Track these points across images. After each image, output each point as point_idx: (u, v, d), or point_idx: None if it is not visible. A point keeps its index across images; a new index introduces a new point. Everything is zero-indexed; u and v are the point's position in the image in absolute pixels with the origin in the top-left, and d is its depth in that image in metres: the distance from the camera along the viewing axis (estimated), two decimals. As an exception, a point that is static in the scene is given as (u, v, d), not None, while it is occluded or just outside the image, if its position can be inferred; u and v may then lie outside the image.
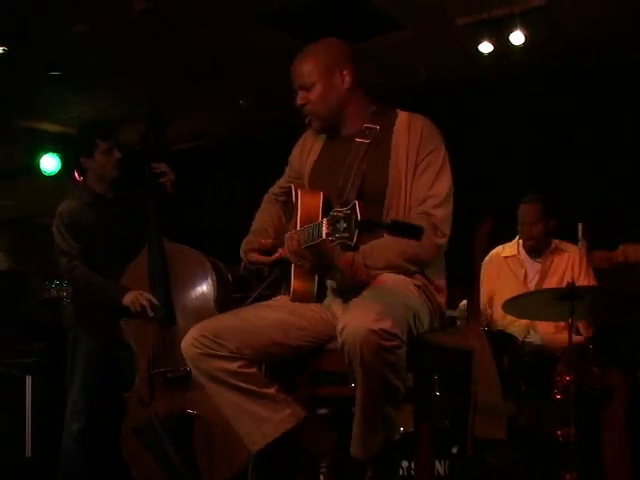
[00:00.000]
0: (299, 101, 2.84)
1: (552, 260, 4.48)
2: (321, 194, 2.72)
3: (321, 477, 3.11)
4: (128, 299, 3.84)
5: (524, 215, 4.49)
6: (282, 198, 3.04)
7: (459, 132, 6.10)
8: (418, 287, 2.67)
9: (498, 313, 4.30)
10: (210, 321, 2.71)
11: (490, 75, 5.91)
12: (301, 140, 3.04)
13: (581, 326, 4.17)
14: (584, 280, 4.35)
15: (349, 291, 2.65)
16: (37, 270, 6.52)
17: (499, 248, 4.63)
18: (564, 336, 3.70)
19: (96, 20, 5.27)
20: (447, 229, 2.69)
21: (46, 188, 7.40)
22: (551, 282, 4.39)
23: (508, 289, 4.30)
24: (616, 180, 5.83)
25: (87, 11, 5.18)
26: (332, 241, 2.29)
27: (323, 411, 3.41)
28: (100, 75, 6.18)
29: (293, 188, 2.89)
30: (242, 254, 2.92)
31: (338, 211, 2.27)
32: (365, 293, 2.56)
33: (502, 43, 5.30)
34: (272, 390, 2.65)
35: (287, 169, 3.09)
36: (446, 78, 6.07)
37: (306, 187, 2.88)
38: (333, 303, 2.76)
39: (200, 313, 3.62)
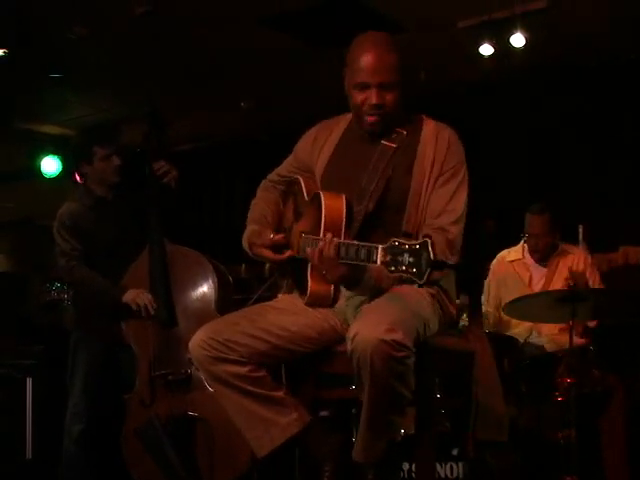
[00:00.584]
0: (375, 100, 2.63)
1: (557, 263, 4.47)
2: (343, 198, 2.63)
3: (323, 480, 3.11)
4: (128, 297, 3.83)
5: (532, 227, 4.44)
6: (281, 187, 2.97)
7: (459, 133, 6.11)
8: (432, 295, 2.65)
9: (505, 317, 4.30)
10: (218, 323, 2.69)
11: (491, 77, 5.92)
12: (313, 132, 2.92)
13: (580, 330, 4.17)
14: (590, 276, 4.34)
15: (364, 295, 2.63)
16: (37, 272, 6.52)
17: (504, 252, 4.62)
18: (567, 337, 3.70)
19: (96, 22, 5.28)
20: (459, 247, 2.66)
21: (47, 190, 7.40)
22: (557, 284, 4.38)
23: (514, 293, 4.29)
24: (616, 181, 5.83)
25: (87, 13, 5.19)
26: (391, 271, 2.21)
27: (325, 413, 3.41)
28: (100, 77, 6.19)
29: (303, 181, 2.82)
30: (247, 245, 2.82)
31: (402, 242, 2.21)
32: (379, 300, 2.54)
33: (503, 45, 5.31)
34: (280, 394, 2.65)
35: (290, 158, 2.97)
36: (447, 80, 6.07)
37: (320, 185, 2.78)
38: (345, 307, 2.72)
39: (201, 315, 3.62)
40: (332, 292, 2.67)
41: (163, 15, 5.11)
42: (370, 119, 2.67)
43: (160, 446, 3.60)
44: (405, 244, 2.19)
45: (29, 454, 5.08)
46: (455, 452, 3.66)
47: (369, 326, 2.37)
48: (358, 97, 2.66)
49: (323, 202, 2.61)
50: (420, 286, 2.23)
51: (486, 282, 4.59)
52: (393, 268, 2.20)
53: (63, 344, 4.22)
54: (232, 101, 6.59)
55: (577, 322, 3.62)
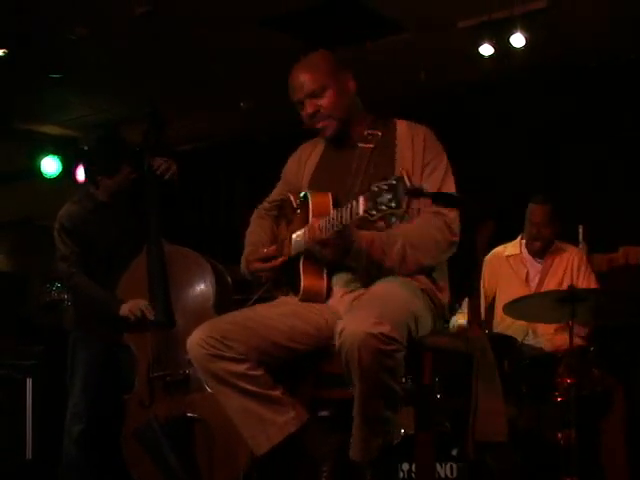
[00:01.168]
0: (309, 110, 2.79)
1: (553, 260, 4.48)
2: (330, 194, 2.72)
3: (322, 480, 3.11)
4: (125, 310, 3.82)
5: (534, 216, 4.45)
6: (273, 212, 3.04)
7: (460, 134, 6.11)
8: (422, 290, 2.68)
9: (500, 313, 4.30)
10: (216, 321, 2.72)
11: (491, 77, 5.92)
12: (297, 153, 3.05)
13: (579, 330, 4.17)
14: (583, 281, 4.35)
15: (365, 278, 2.66)
16: (37, 272, 6.51)
17: (501, 247, 4.63)
18: (564, 338, 3.70)
19: (96, 22, 5.28)
20: (458, 229, 2.72)
21: (47, 190, 7.40)
22: (551, 282, 4.40)
23: (510, 288, 4.32)
24: (616, 181, 5.83)
25: (87, 13, 5.19)
26: (373, 215, 2.28)
27: (324, 413, 3.40)
28: (100, 77, 6.18)
29: (292, 196, 2.89)
30: (244, 265, 2.91)
31: (379, 185, 2.27)
32: (369, 294, 2.58)
33: (503, 45, 5.30)
34: (278, 392, 2.65)
35: (280, 184, 3.08)
36: (447, 80, 6.07)
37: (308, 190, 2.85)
38: (338, 303, 2.74)
39: (199, 315, 3.61)
40: (325, 288, 2.73)
41: (163, 15, 5.11)
42: (319, 126, 2.83)
43: (159, 447, 3.60)
44: (383, 184, 2.27)
45: (29, 454, 5.09)
46: (455, 452, 3.66)
47: (356, 320, 2.40)
48: (301, 114, 2.83)
49: (310, 198, 2.72)
50: (400, 217, 2.31)
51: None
52: (374, 212, 2.27)
53: (63, 344, 4.22)
54: (232, 101, 6.59)
55: (576, 323, 3.62)
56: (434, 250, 2.68)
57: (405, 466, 3.65)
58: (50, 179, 7.41)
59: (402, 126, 2.84)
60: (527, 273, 4.50)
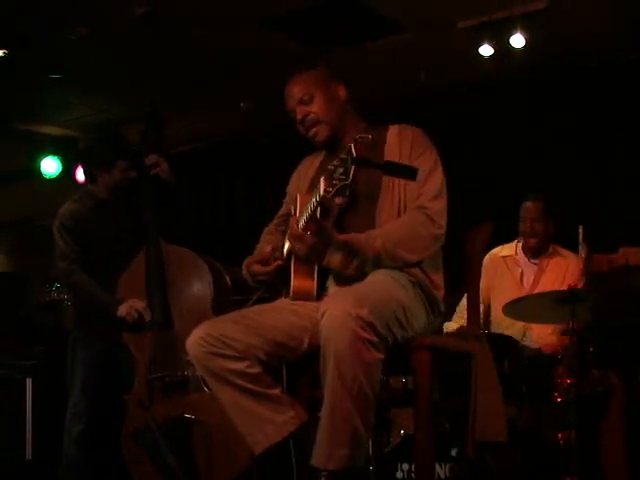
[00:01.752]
0: (300, 115, 2.88)
1: (548, 262, 4.53)
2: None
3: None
4: (122, 311, 3.82)
5: (527, 212, 4.53)
6: (282, 227, 3.07)
7: (460, 134, 6.12)
8: (412, 283, 2.70)
9: (497, 313, 4.31)
10: (216, 320, 2.74)
11: (491, 77, 5.91)
12: (296, 170, 3.12)
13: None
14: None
15: (347, 277, 2.69)
16: (37, 272, 6.52)
17: (497, 248, 4.67)
18: (560, 339, 3.70)
19: (96, 22, 5.28)
20: (443, 221, 2.74)
21: (47, 190, 7.40)
22: (545, 283, 4.42)
23: (504, 288, 4.37)
24: (616, 181, 5.83)
25: (87, 13, 5.19)
26: (329, 192, 2.36)
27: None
28: (100, 77, 6.18)
29: (292, 206, 2.93)
30: (245, 270, 2.95)
31: (333, 163, 2.38)
32: (354, 285, 2.61)
33: (502, 46, 5.30)
34: (277, 391, 2.66)
35: (285, 200, 3.15)
36: (447, 80, 6.07)
37: None
38: None
39: (197, 316, 3.60)
40: (315, 287, 2.77)
41: (163, 15, 5.11)
42: (311, 133, 2.91)
43: (157, 448, 3.60)
44: (336, 161, 2.38)
45: (29, 454, 5.09)
46: (454, 453, 3.66)
47: (336, 302, 2.44)
48: (296, 124, 2.91)
49: (298, 200, 2.80)
50: (349, 187, 2.37)
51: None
52: (330, 189, 2.37)
53: (63, 344, 4.22)
54: (232, 101, 6.59)
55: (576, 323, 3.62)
56: (418, 245, 2.70)
57: (405, 466, 3.66)
58: (50, 179, 7.41)
59: (393, 130, 2.89)
60: (521, 273, 4.55)
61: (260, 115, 6.67)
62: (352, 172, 2.33)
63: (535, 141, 6.11)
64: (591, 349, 4.00)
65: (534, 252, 4.55)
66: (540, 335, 4.25)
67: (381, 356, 2.44)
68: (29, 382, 5.19)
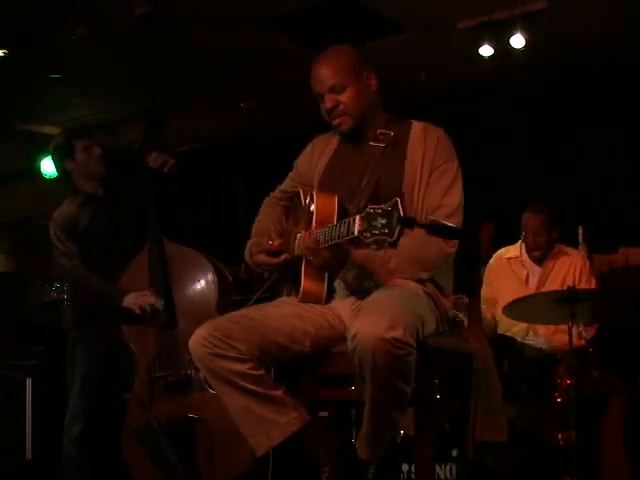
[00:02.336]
0: (328, 105, 2.78)
1: (554, 264, 4.51)
2: (335, 197, 2.73)
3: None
4: (129, 300, 3.82)
5: (529, 225, 4.51)
6: (284, 202, 3.05)
7: (459, 134, 6.09)
8: (427, 294, 2.69)
9: (501, 314, 4.31)
10: (219, 321, 2.71)
11: (491, 77, 5.91)
12: (310, 145, 3.03)
13: (583, 328, 4.18)
14: (585, 285, 4.36)
15: (360, 290, 2.68)
16: (37, 272, 6.51)
17: (502, 250, 4.67)
18: (564, 337, 3.70)
19: (96, 22, 5.28)
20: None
21: (46, 190, 7.38)
22: (552, 285, 4.40)
23: (509, 290, 4.34)
24: (616, 181, 5.83)
25: (87, 13, 5.19)
26: (367, 238, 2.30)
27: (324, 414, 3.40)
28: (100, 77, 6.18)
29: (302, 192, 2.90)
30: (248, 256, 2.91)
31: (375, 208, 2.29)
32: (376, 296, 2.58)
33: (502, 46, 5.30)
34: (279, 392, 2.65)
35: (292, 173, 3.07)
36: (447, 80, 6.07)
37: (317, 189, 2.86)
38: (340, 305, 2.75)
39: (201, 315, 3.59)
40: (324, 291, 2.74)
41: (163, 15, 5.11)
42: (335, 122, 2.81)
43: (159, 448, 3.60)
44: (378, 208, 2.28)
45: (29, 454, 5.08)
46: (455, 453, 3.66)
47: (369, 324, 2.38)
48: (321, 107, 2.83)
49: (315, 201, 2.73)
50: (391, 244, 2.30)
51: (483, 279, 4.62)
52: (368, 234, 2.29)
53: (63, 344, 4.22)
54: (232, 101, 6.59)
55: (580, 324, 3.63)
56: (430, 263, 2.70)
57: (405, 467, 3.65)
58: (50, 179, 7.40)
59: (417, 127, 2.83)
60: (527, 275, 4.54)
61: (260, 115, 6.68)
62: (398, 232, 2.26)
63: (535, 141, 6.11)
64: (591, 350, 4.00)
65: (538, 260, 4.55)
66: (544, 334, 4.24)
67: (413, 360, 2.45)
68: (29, 382, 5.19)
